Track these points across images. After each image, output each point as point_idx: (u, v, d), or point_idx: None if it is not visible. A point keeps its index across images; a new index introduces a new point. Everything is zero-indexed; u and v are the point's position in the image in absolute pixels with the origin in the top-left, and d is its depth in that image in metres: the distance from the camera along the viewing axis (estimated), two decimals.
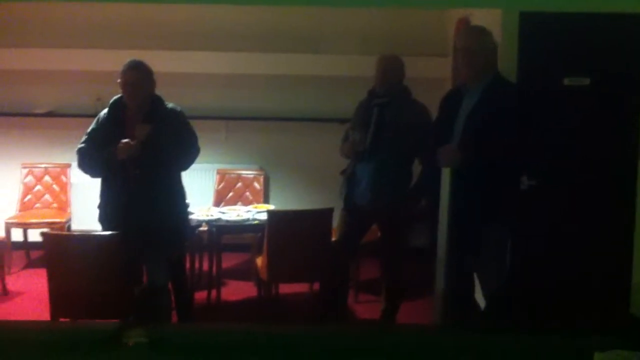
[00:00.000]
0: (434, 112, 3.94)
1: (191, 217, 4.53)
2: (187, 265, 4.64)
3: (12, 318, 4.53)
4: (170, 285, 4.07)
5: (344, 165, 4.47)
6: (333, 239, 4.46)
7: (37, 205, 6.02)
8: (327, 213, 4.34)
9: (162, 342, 2.63)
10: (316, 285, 4.87)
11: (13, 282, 5.34)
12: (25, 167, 6.06)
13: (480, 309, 3.76)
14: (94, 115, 4.07)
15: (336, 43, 6.18)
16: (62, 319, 3.77)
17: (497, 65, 3.57)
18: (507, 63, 4.09)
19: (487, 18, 4.27)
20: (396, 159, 4.25)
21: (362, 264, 5.10)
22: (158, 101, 3.98)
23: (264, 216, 4.61)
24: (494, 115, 3.36)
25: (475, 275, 3.60)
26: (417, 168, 4.33)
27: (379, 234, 4.60)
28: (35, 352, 2.54)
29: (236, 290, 5.25)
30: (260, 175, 5.98)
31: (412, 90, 4.37)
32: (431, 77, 5.58)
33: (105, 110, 3.97)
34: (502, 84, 3.53)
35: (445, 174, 3.38)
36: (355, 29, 6.14)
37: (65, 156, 5.82)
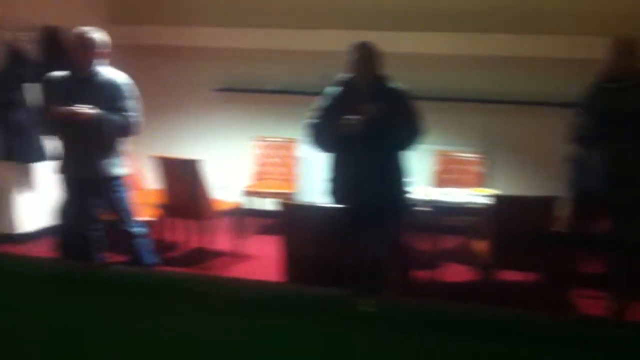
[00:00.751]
0: None
1: (411, 196, 4.63)
2: (406, 243, 4.76)
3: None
4: (387, 261, 4.22)
5: (567, 151, 4.31)
6: (557, 228, 4.33)
7: (268, 176, 6.44)
8: (551, 200, 4.22)
9: (387, 313, 2.75)
10: (538, 275, 4.73)
11: (247, 246, 5.78)
12: (257, 141, 6.53)
13: None
14: (318, 93, 4.29)
15: (556, 23, 5.90)
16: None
17: None
18: None
19: None
20: (631, 146, 4.02)
21: (590, 256, 4.85)
22: (384, 80, 4.12)
23: (483, 200, 4.58)
24: None
25: None
26: None
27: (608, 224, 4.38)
28: (270, 309, 2.75)
29: (453, 272, 5.28)
30: (480, 158, 5.93)
31: None
32: None
33: (332, 88, 4.17)
34: None
35: None
36: (577, 9, 5.80)
37: (293, 131, 6.18)
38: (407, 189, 4.27)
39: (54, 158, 4.68)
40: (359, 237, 4.01)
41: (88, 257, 4.45)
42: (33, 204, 5.92)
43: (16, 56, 5.63)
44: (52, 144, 4.63)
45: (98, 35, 4.34)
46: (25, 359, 2.19)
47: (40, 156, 5.70)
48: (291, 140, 6.39)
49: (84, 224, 4.51)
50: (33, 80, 4.44)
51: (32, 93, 4.39)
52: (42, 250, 5.08)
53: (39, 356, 2.21)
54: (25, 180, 5.94)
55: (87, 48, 4.30)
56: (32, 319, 2.45)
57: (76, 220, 4.51)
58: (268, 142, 6.52)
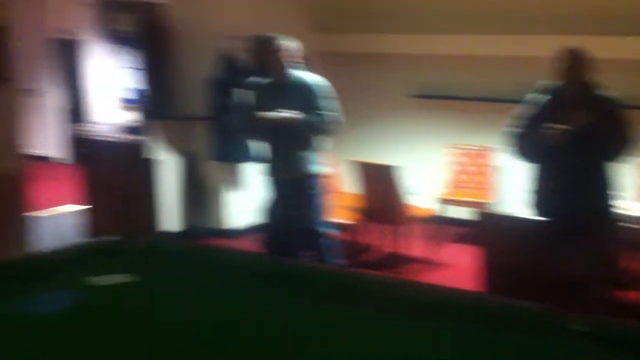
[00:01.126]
0: None
1: (618, 210, 4.38)
2: (613, 259, 4.50)
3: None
4: (593, 277, 4.03)
5: None
6: None
7: (463, 184, 6.36)
8: None
9: (599, 334, 2.62)
10: None
11: (441, 253, 5.76)
12: (451, 148, 6.48)
13: None
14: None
15: None
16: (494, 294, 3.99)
17: None
18: None
19: None
20: None
21: None
22: (594, 88, 3.95)
23: None
24: None
25: None
26: None
27: None
28: (467, 319, 2.71)
29: None
30: None
31: None
32: None
33: (537, 95, 4.06)
34: None
35: None
36: None
37: (488, 139, 6.07)
38: (613, 202, 4.07)
39: (258, 159, 4.98)
40: (565, 251, 3.88)
41: (291, 254, 4.69)
42: (242, 202, 6.35)
43: (230, 64, 6.08)
44: (256, 146, 4.94)
45: (284, 41, 4.55)
46: (231, 343, 2.36)
47: (247, 157, 6.10)
48: (487, 149, 6.27)
49: (289, 224, 4.75)
50: (243, 87, 4.79)
51: (240, 99, 4.73)
52: (249, 245, 5.43)
53: (240, 340, 2.37)
54: (234, 180, 6.39)
55: (272, 53, 4.53)
56: (237, 308, 2.64)
57: (281, 220, 4.76)
58: (463, 150, 6.45)
